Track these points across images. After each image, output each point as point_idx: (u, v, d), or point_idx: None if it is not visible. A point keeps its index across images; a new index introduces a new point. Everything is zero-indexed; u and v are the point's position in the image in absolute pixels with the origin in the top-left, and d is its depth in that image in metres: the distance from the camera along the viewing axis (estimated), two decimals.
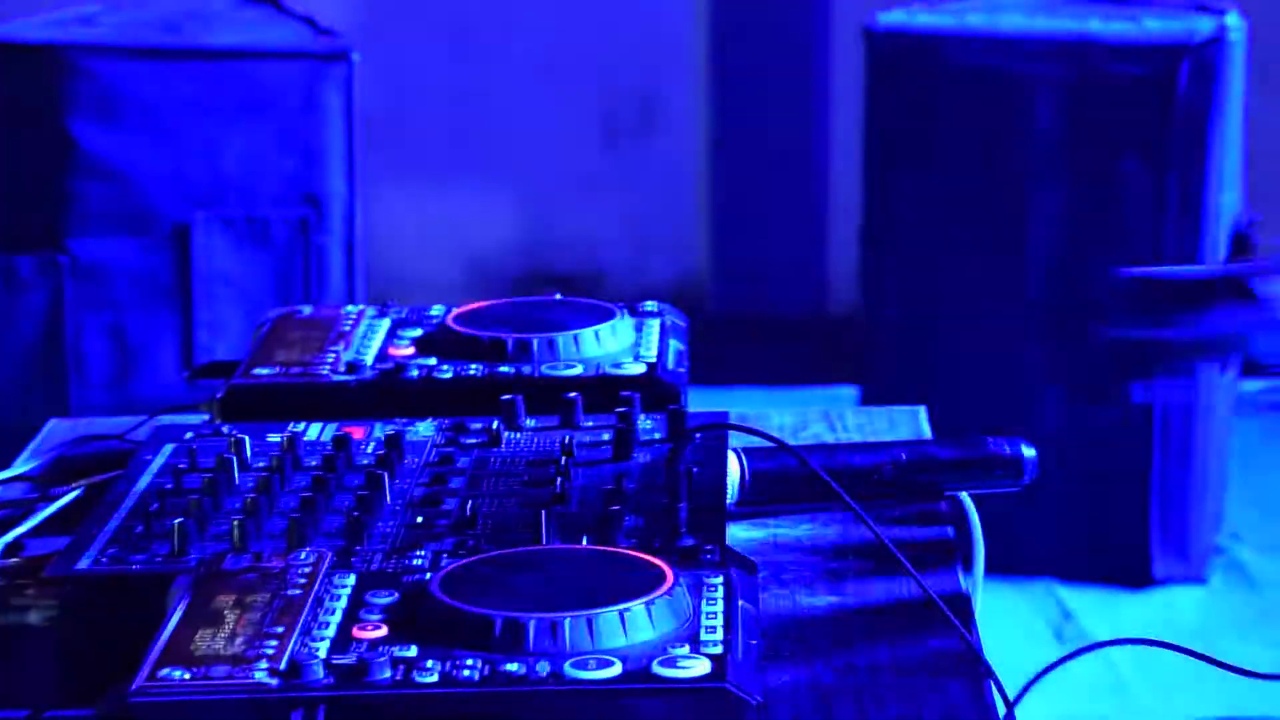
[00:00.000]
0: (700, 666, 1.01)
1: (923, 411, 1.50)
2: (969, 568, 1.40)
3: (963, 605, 1.25)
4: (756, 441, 1.30)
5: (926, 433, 1.51)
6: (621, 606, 1.04)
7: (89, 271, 2.89)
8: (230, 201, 2.90)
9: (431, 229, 3.72)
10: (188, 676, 1.00)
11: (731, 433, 1.29)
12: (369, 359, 1.42)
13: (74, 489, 1.33)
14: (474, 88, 3.87)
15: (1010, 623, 2.95)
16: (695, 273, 3.90)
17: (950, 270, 3.08)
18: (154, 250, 2.90)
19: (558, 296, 1.50)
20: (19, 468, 1.44)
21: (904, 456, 1.42)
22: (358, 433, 1.32)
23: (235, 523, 1.17)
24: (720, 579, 1.10)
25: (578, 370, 1.39)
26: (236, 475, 1.25)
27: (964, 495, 1.40)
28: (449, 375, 1.39)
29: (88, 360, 2.89)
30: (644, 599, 1.05)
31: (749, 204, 3.87)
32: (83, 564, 1.17)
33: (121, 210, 2.88)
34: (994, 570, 1.47)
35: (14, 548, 1.28)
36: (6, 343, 2.90)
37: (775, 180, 3.79)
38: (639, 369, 1.39)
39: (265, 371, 1.41)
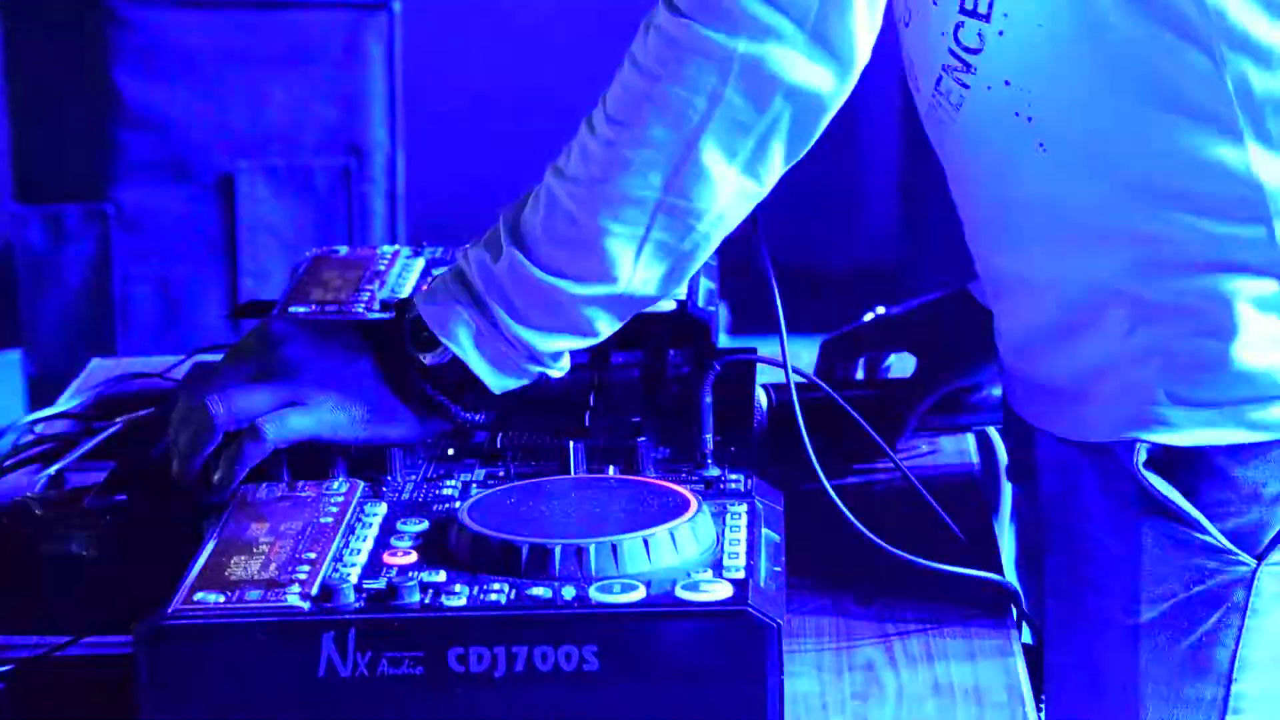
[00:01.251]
0: (722, 590, 1.03)
1: None
2: (996, 503, 1.42)
3: (987, 538, 1.26)
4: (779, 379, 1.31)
5: None
6: (646, 533, 1.06)
7: (134, 221, 2.92)
8: (273, 151, 2.92)
9: (473, 178, 3.73)
10: (221, 600, 1.03)
11: (764, 371, 1.30)
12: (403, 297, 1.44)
13: (114, 424, 1.35)
14: (516, 36, 3.88)
15: None
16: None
17: None
18: (198, 199, 2.93)
19: None
20: (62, 405, 1.47)
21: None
22: None
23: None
24: (744, 507, 1.12)
25: None
26: None
27: (991, 431, 1.42)
28: None
29: (134, 308, 2.93)
30: (668, 525, 1.07)
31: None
32: (122, 495, 1.19)
33: (166, 159, 2.91)
34: None
35: (57, 480, 1.31)
36: (54, 292, 2.93)
37: None
38: (669, 305, 1.41)
39: (301, 310, 1.43)
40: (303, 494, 1.15)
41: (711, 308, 1.44)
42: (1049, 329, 1.21)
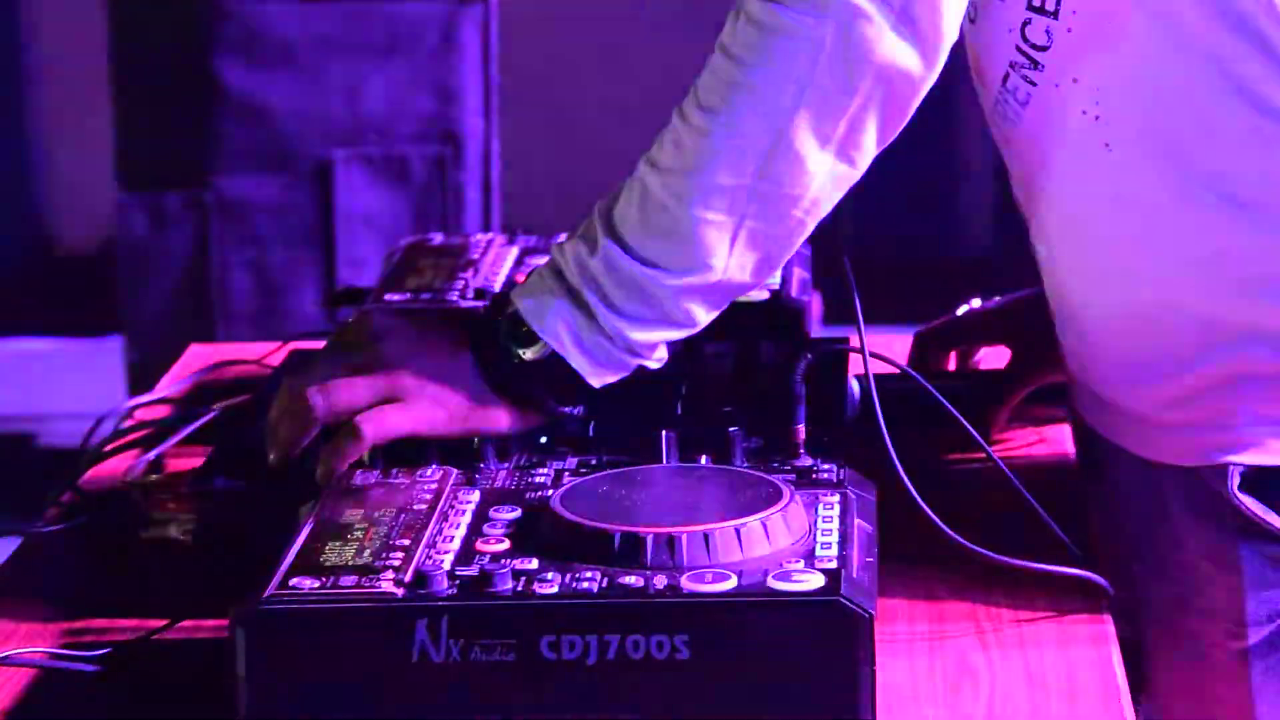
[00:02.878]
0: (814, 580, 1.02)
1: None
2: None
3: (1083, 529, 1.25)
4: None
5: None
6: (738, 522, 1.06)
7: (233, 208, 2.95)
8: (370, 139, 2.94)
9: (568, 167, 3.74)
10: (316, 585, 1.04)
11: (855, 360, 1.30)
12: (498, 285, 1.45)
13: (212, 410, 1.37)
14: (611, 26, 3.88)
15: None
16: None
17: None
18: (296, 187, 2.95)
19: None
20: (161, 391, 1.49)
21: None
22: None
23: None
24: (836, 497, 1.12)
25: None
26: None
27: None
28: None
29: (232, 295, 2.96)
30: (760, 515, 1.07)
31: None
32: (219, 480, 1.21)
33: (264, 148, 2.93)
34: None
35: (155, 465, 1.32)
36: (154, 278, 2.97)
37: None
38: (762, 295, 1.40)
39: (396, 298, 1.44)
40: (396, 481, 1.15)
41: (805, 297, 1.44)
42: (1122, 355, 1.20)
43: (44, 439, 3.39)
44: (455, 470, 1.17)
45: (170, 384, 1.50)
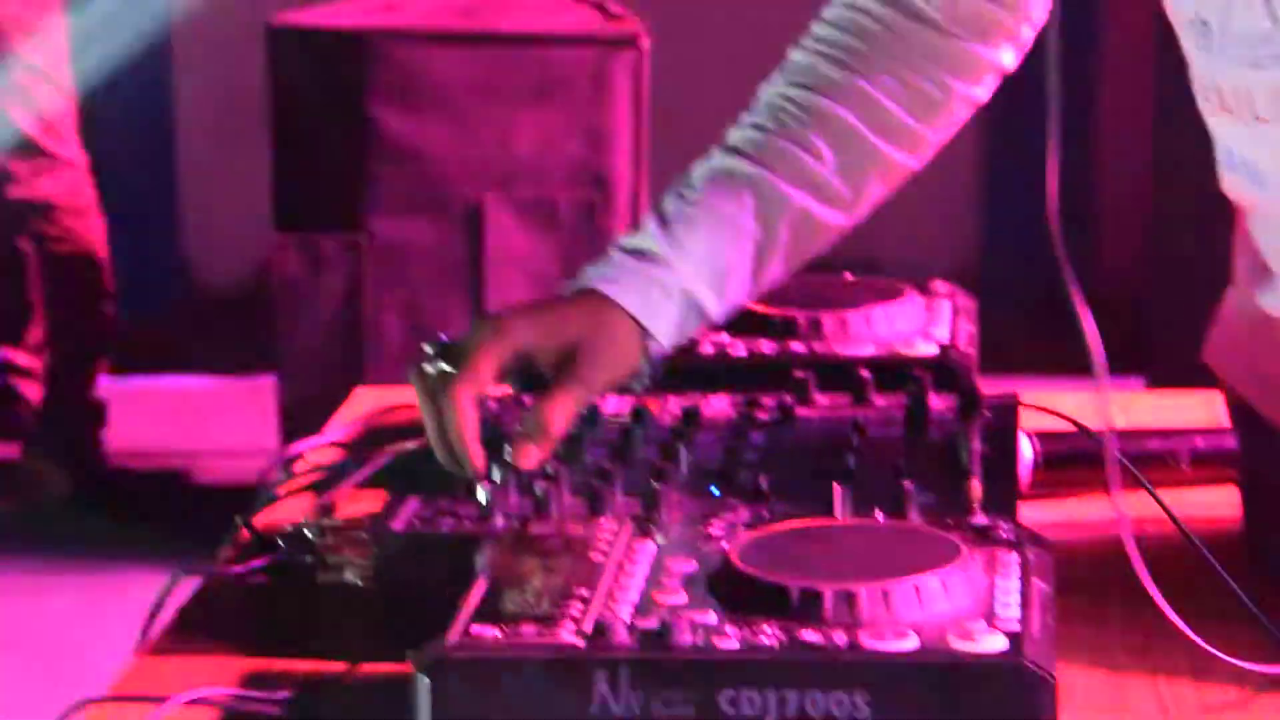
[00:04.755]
0: (996, 642, 1.02)
1: (1220, 398, 1.48)
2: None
3: (1262, 591, 1.23)
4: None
5: (1224, 420, 1.49)
6: (916, 579, 1.06)
7: (387, 250, 2.98)
8: (521, 183, 2.97)
9: None
10: (499, 634, 1.04)
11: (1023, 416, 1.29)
12: None
13: (386, 455, 1.38)
14: (761, 73, 3.89)
15: None
16: (968, 256, 3.87)
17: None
18: (448, 230, 2.98)
19: (847, 275, 1.52)
20: (329, 433, 1.50)
21: (1200, 444, 1.41)
22: (654, 405, 1.35)
23: (539, 489, 1.21)
24: (1014, 556, 1.11)
25: (869, 349, 1.41)
26: None
27: None
28: (742, 351, 1.42)
29: (384, 336, 2.99)
30: (938, 572, 1.07)
31: (1020, 184, 3.81)
32: (396, 525, 1.22)
33: (418, 191, 2.97)
34: None
35: (328, 509, 1.34)
36: (309, 318, 3.00)
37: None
38: (930, 349, 1.40)
39: None
40: (572, 531, 1.16)
41: (971, 350, 1.43)
42: None
43: (199, 476, 3.44)
44: (630, 521, 1.17)
45: (338, 427, 1.52)
